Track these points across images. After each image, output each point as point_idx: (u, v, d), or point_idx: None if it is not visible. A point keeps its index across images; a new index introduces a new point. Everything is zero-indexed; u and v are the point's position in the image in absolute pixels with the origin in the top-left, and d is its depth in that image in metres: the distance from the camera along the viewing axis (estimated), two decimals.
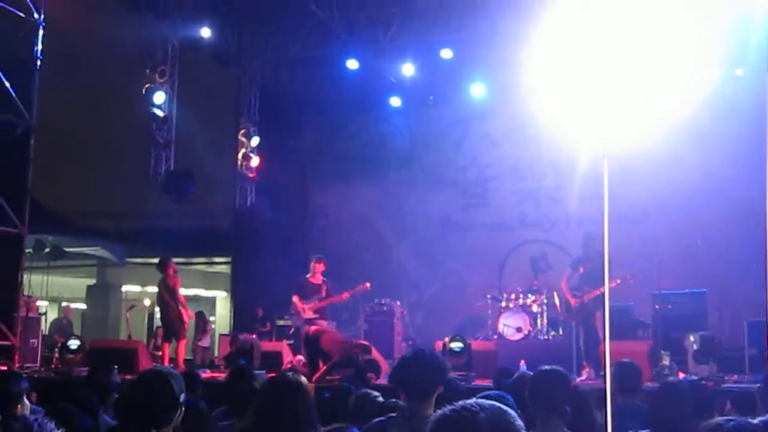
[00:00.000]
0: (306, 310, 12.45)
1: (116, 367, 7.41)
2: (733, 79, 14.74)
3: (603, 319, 11.51)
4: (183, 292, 13.59)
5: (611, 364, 7.49)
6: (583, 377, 11.45)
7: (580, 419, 4.76)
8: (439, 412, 2.14)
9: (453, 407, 2.11)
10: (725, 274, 14.09)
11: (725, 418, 3.61)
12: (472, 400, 2.12)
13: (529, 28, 13.70)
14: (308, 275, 12.75)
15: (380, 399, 5.30)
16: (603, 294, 11.37)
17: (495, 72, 16.80)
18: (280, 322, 16.09)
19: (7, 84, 12.33)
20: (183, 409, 3.97)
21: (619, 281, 11.21)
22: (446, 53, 16.81)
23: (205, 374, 12.51)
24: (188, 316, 13.55)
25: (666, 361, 10.89)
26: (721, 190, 14.78)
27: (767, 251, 2.53)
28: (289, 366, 12.70)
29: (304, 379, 4.68)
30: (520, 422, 2.10)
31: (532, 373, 5.17)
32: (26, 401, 5.22)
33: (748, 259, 12.64)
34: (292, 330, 14.95)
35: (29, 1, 12.61)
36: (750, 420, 3.51)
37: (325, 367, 11.74)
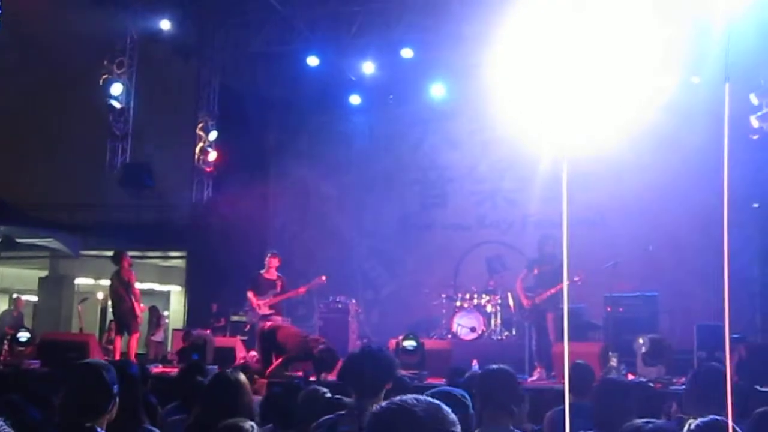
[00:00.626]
0: (261, 305, 12.41)
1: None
2: (690, 86, 14.94)
3: (555, 320, 11.68)
4: (138, 285, 13.46)
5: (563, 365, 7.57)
6: (535, 377, 11.56)
7: None
8: (377, 406, 2.21)
9: (391, 401, 2.19)
10: (681, 279, 14.29)
11: (645, 420, 3.71)
12: (410, 395, 2.19)
13: (491, 31, 13.80)
14: (262, 271, 12.71)
15: (328, 395, 5.32)
16: (555, 295, 11.55)
17: (456, 73, 16.88)
18: (235, 318, 16.00)
19: None
20: (117, 399, 4.04)
21: (567, 283, 11.32)
22: (407, 53, 16.82)
23: (158, 369, 12.44)
24: (141, 309, 13.43)
25: (614, 363, 11.02)
26: (681, 196, 14.99)
27: (725, 257, 2.57)
28: (242, 362, 12.65)
29: (242, 377, 4.80)
30: (454, 416, 2.17)
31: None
32: None
33: (705, 265, 12.86)
34: (248, 326, 14.88)
35: None
36: (672, 421, 3.55)
37: (279, 361, 11.70)
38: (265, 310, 12.39)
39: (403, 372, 11.87)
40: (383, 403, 2.18)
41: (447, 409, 2.17)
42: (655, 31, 13.52)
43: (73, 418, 3.96)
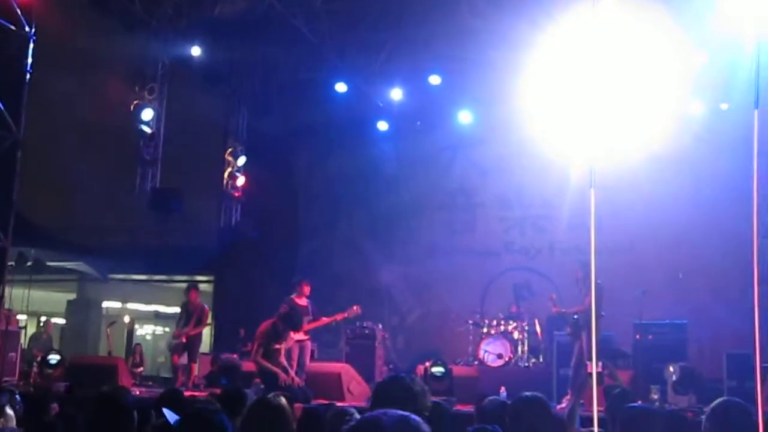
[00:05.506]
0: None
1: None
2: (719, 113, 14.88)
3: (582, 345, 11.60)
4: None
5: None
6: (563, 405, 11.42)
7: None
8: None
9: (362, 416, 2.24)
10: (710, 306, 14.13)
11: None
12: (379, 410, 2.21)
13: (519, 58, 13.87)
14: (294, 295, 12.64)
15: (357, 416, 5.29)
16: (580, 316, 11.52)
17: (483, 99, 16.90)
18: None
19: None
20: None
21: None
22: (434, 79, 16.89)
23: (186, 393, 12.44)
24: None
25: (656, 395, 10.94)
26: (711, 222, 14.89)
27: (755, 283, 2.55)
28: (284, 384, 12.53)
29: (284, 401, 4.70)
30: (425, 428, 2.17)
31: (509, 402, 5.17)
32: (9, 412, 5.19)
33: (735, 292, 12.74)
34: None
35: (20, 14, 12.54)
36: None
37: None
38: (301, 335, 12.35)
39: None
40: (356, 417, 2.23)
41: (417, 420, 2.17)
42: (684, 58, 13.51)
43: None
